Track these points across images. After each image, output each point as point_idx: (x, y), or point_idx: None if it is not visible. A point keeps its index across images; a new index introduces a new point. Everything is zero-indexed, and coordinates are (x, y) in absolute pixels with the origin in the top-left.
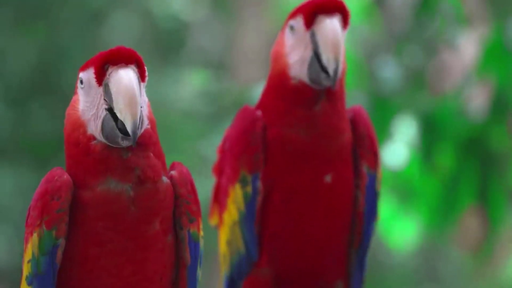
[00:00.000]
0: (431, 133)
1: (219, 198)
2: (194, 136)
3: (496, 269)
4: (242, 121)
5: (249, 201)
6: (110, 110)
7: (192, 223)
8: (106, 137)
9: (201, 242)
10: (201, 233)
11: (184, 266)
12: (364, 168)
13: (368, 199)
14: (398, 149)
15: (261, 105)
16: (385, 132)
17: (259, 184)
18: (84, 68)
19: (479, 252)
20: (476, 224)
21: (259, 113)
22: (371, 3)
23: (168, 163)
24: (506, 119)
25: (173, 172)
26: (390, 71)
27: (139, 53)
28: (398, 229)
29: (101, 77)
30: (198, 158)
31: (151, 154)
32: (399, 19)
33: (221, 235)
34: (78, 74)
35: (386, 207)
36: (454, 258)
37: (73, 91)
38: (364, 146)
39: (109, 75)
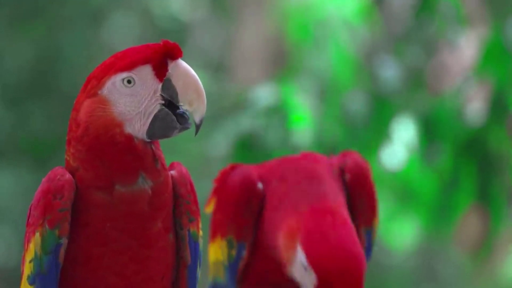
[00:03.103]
0: (430, 134)
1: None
2: (193, 136)
3: (495, 269)
4: (240, 186)
5: (232, 262)
6: (166, 104)
7: (192, 223)
8: (153, 133)
9: (201, 242)
10: (201, 233)
11: (185, 266)
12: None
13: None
14: (397, 149)
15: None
16: (384, 133)
17: (245, 252)
18: (128, 67)
19: (478, 253)
20: (474, 225)
21: (260, 186)
22: (370, 3)
23: (168, 163)
24: (505, 120)
25: (172, 172)
26: (389, 71)
27: None
28: (397, 229)
29: (162, 73)
30: (197, 159)
31: (159, 146)
32: (399, 19)
33: (210, 248)
34: (108, 76)
35: (385, 208)
36: (453, 258)
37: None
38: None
39: (171, 69)
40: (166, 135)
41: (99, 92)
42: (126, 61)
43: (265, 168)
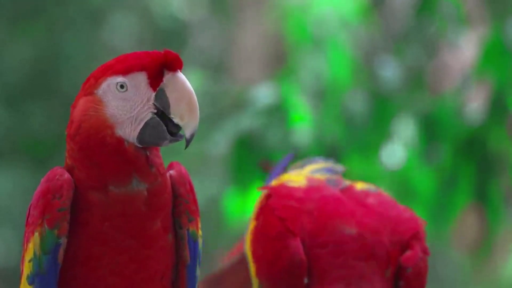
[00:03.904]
0: (429, 133)
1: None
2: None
3: (495, 269)
4: (287, 274)
5: None
6: (159, 114)
7: (191, 222)
8: (143, 139)
9: (200, 241)
10: (200, 232)
11: (184, 265)
12: None
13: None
14: (397, 148)
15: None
16: (384, 132)
17: None
18: (123, 72)
19: (478, 252)
20: (474, 225)
21: (305, 281)
22: (370, 3)
23: (167, 163)
24: (505, 120)
25: (171, 172)
26: (389, 71)
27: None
28: None
29: (156, 82)
30: (197, 159)
31: (159, 152)
32: (399, 19)
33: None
34: (105, 77)
35: None
36: (452, 258)
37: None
38: None
39: (166, 81)
40: (156, 143)
41: (95, 91)
42: (123, 65)
43: (310, 237)
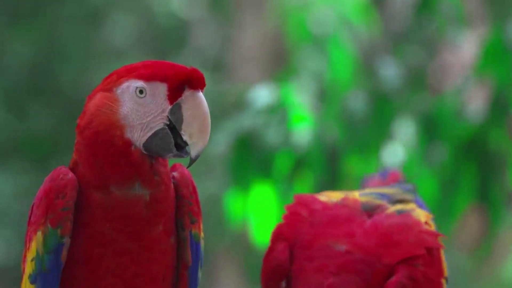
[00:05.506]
0: (430, 133)
1: None
2: None
3: (495, 269)
4: (267, 278)
5: None
6: (170, 126)
7: (194, 224)
8: (149, 147)
9: (202, 243)
10: (202, 234)
11: (185, 267)
12: None
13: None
14: (397, 149)
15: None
16: (385, 132)
17: None
18: (146, 78)
19: (478, 253)
20: (474, 225)
21: (283, 285)
22: (370, 3)
23: (170, 163)
24: (505, 120)
25: (174, 174)
26: (390, 71)
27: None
28: None
29: (175, 97)
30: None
31: (167, 162)
32: (399, 18)
33: None
34: (127, 78)
35: None
36: (453, 258)
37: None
38: None
39: (185, 97)
40: (160, 154)
41: (114, 89)
42: (147, 71)
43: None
